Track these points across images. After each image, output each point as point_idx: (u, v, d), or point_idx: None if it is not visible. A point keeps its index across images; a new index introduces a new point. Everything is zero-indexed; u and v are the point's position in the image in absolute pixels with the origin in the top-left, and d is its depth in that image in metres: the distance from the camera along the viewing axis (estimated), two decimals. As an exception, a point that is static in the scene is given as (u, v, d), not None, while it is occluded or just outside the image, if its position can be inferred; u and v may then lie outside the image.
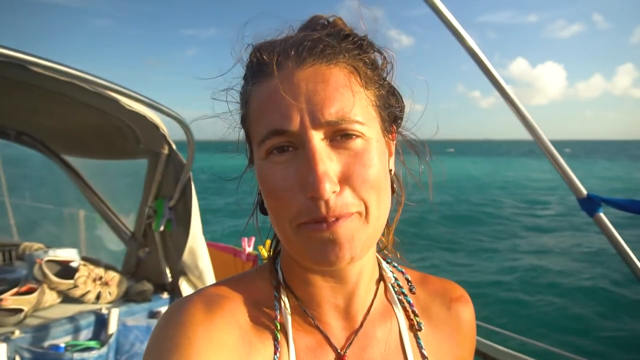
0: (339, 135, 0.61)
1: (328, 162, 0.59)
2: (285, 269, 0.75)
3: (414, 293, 0.80)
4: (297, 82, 0.60)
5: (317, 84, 0.60)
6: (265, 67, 0.63)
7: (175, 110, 2.19)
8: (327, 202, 0.58)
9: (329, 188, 0.57)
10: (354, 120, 0.60)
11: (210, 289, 0.72)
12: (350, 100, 0.61)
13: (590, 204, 1.51)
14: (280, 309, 0.71)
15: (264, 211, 0.74)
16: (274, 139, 0.61)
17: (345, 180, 0.60)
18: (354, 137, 0.61)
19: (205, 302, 0.67)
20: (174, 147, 2.46)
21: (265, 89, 0.63)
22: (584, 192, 1.52)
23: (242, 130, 0.73)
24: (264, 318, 0.70)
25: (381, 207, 0.64)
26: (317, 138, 0.59)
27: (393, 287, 0.79)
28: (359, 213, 0.62)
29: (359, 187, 0.60)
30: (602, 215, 1.50)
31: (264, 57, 0.64)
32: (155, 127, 2.26)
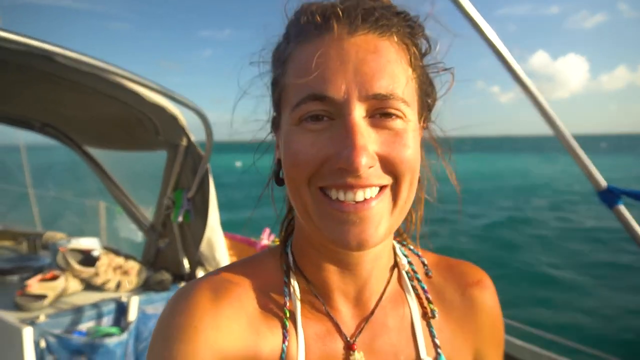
0: (378, 114, 0.57)
1: (367, 137, 0.56)
2: (297, 251, 0.72)
3: (430, 277, 0.76)
4: (347, 48, 0.56)
5: (368, 53, 0.56)
6: (314, 27, 0.59)
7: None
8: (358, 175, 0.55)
9: (365, 162, 0.54)
10: (401, 98, 0.57)
11: (218, 274, 0.69)
12: (400, 77, 0.58)
13: (609, 196, 1.48)
14: (289, 295, 0.68)
15: (279, 182, 0.72)
16: (311, 105, 0.57)
17: (381, 158, 0.57)
18: (394, 116, 0.58)
19: (212, 289, 0.65)
20: (192, 138, 2.50)
21: (310, 50, 0.58)
22: (603, 183, 1.50)
23: (271, 92, 0.69)
24: (272, 305, 0.68)
25: (411, 190, 0.61)
26: (358, 111, 0.56)
27: (407, 273, 0.76)
28: (391, 188, 0.60)
29: (396, 165, 0.58)
30: (622, 207, 1.48)
31: (317, 17, 0.59)
32: (175, 119, 2.29)
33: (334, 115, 0.57)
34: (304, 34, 0.60)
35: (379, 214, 0.59)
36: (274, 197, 0.77)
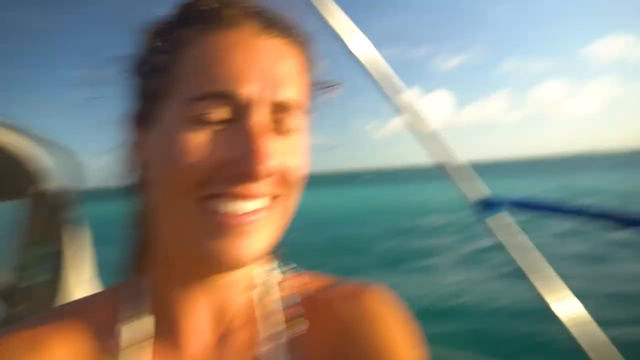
0: (279, 121, 0.56)
1: (269, 143, 0.53)
2: (151, 278, 0.64)
3: (297, 300, 0.68)
4: (258, 48, 0.55)
5: (280, 58, 0.56)
6: (221, 19, 0.56)
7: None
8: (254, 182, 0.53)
9: (268, 169, 0.52)
10: (302, 108, 0.59)
11: (35, 320, 0.60)
12: (301, 87, 0.59)
13: (487, 207, 1.48)
14: (130, 331, 0.60)
15: (137, 189, 0.64)
16: (214, 101, 0.52)
17: (277, 168, 0.55)
18: (292, 126, 0.58)
19: (25, 338, 0.57)
20: (48, 185, 2.18)
21: (219, 41, 0.55)
22: (481, 193, 1.50)
23: (144, 79, 0.61)
24: (103, 348, 0.59)
25: (295, 202, 0.61)
26: (263, 115, 0.54)
27: (270, 293, 0.68)
28: (279, 200, 0.58)
29: (289, 176, 0.57)
30: (501, 216, 1.48)
31: (226, 9, 0.56)
32: (16, 162, 1.98)
33: (236, 116, 0.54)
34: (211, 21, 0.56)
35: (266, 225, 0.57)
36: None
